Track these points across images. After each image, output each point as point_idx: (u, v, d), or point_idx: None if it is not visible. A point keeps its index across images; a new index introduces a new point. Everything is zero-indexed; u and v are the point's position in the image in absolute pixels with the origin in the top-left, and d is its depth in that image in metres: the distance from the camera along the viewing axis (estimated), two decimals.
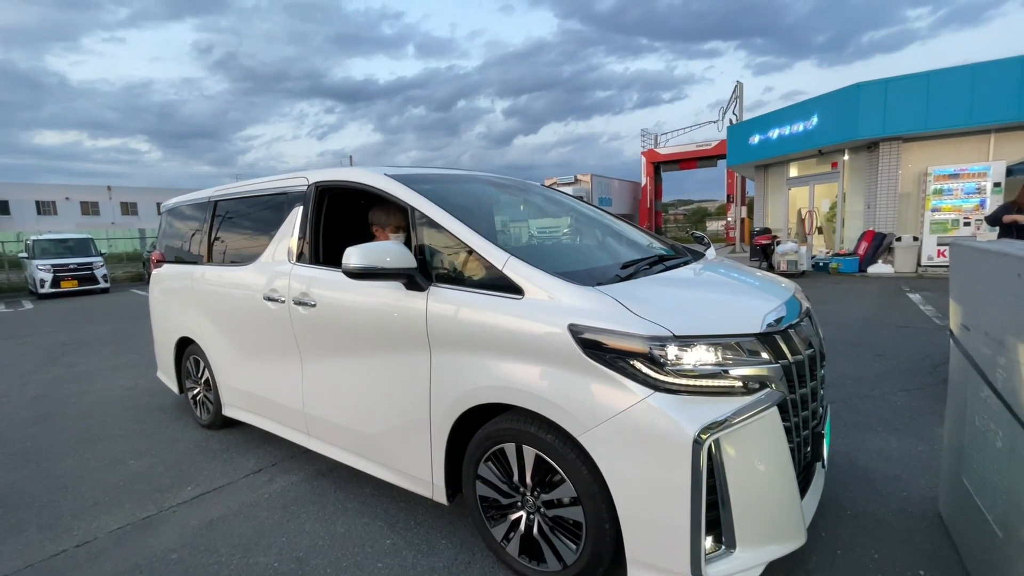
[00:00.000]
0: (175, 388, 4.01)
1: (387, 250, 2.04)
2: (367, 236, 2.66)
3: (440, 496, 2.17)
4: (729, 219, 24.63)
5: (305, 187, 2.78)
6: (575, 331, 1.69)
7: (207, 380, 3.55)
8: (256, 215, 3.20)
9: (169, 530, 2.43)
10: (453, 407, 2.01)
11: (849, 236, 12.32)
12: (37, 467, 3.19)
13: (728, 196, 24.16)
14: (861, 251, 11.13)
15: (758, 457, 1.62)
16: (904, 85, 10.35)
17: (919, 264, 10.52)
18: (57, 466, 3.19)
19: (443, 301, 2.03)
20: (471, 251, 2.02)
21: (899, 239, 10.63)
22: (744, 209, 21.43)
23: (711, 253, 2.85)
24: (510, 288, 1.88)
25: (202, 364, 3.57)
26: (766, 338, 1.72)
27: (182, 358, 3.87)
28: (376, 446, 2.41)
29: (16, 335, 8.04)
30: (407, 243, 2.31)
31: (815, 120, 11.96)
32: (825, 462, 2.05)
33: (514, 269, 1.89)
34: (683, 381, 1.57)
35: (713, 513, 1.57)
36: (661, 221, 30.79)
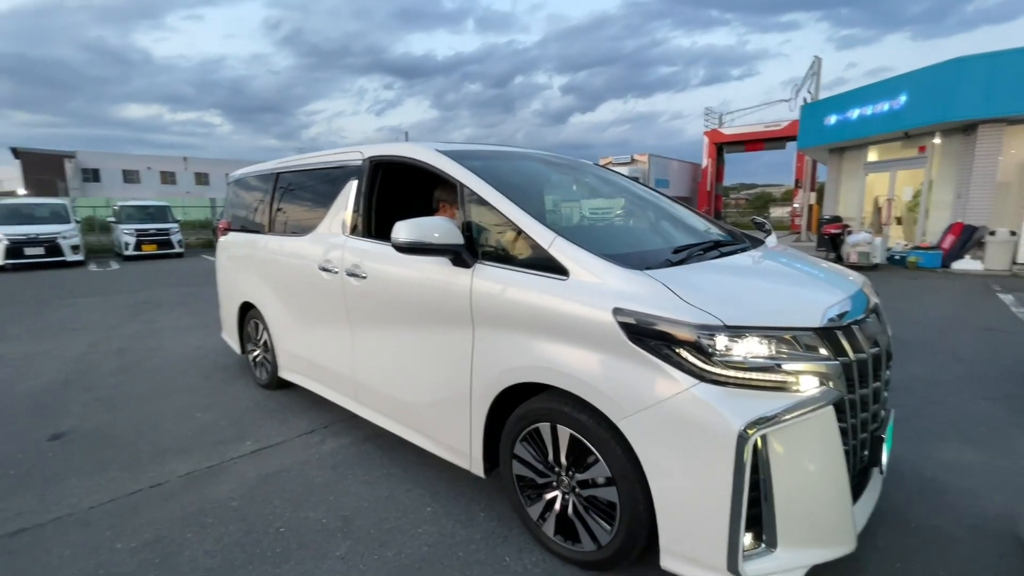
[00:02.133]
0: (237, 349, 4.28)
1: (435, 225, 2.06)
2: (419, 211, 2.66)
3: (477, 469, 2.21)
4: (795, 205, 23.16)
5: (360, 161, 2.84)
6: (620, 315, 1.65)
7: (265, 343, 3.75)
8: (314, 188, 3.30)
9: (230, 479, 2.61)
10: (494, 384, 2.03)
11: (933, 228, 11.28)
12: (120, 412, 3.51)
13: (796, 181, 22.66)
14: (946, 245, 10.19)
15: (808, 457, 1.55)
16: (1014, 60, 9.21)
17: (1014, 262, 9.50)
18: (136, 413, 3.49)
19: (488, 279, 2.03)
20: (518, 230, 2.01)
21: (992, 233, 9.62)
22: (813, 195, 20.07)
23: (772, 240, 2.72)
24: (555, 269, 1.86)
25: (261, 328, 3.77)
26: (826, 333, 1.62)
27: (244, 321, 4.09)
28: (418, 416, 2.49)
29: (105, 292, 8.83)
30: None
31: (903, 99, 10.91)
32: (883, 468, 1.92)
33: (560, 250, 1.86)
34: (732, 373, 1.51)
35: (755, 510, 1.52)
36: (721, 205, 29.43)
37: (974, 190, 10.11)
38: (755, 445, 1.46)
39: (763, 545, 1.55)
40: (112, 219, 15.23)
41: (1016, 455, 2.68)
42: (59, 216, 12.93)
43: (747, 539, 1.54)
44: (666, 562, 1.66)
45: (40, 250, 11.83)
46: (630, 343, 1.62)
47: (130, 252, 13.61)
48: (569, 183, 3.15)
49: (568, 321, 1.78)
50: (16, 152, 37.71)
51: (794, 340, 1.57)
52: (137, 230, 13.74)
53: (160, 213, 15.13)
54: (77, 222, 13.45)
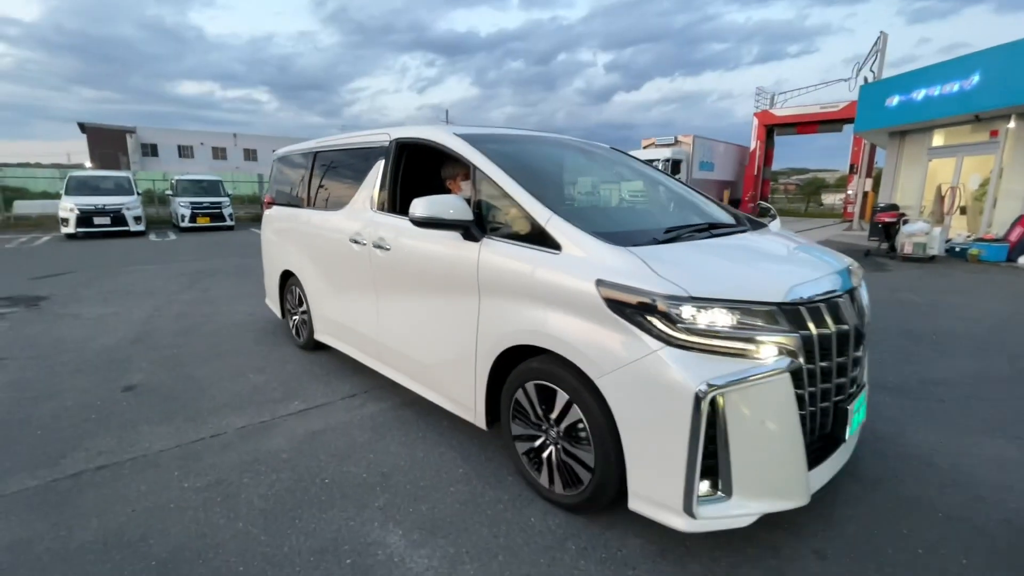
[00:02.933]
0: (279, 313, 4.66)
1: (448, 203, 2.31)
2: (439, 189, 2.92)
3: (480, 421, 2.48)
4: (849, 192, 21.97)
5: (387, 142, 3.08)
6: (601, 286, 1.85)
7: (304, 308, 4.08)
8: (348, 166, 3.56)
9: (280, 434, 2.84)
10: (495, 346, 2.27)
11: (1000, 219, 10.53)
12: (182, 370, 3.83)
13: (851, 166, 21.44)
14: (1013, 237, 9.52)
15: (763, 417, 1.73)
16: None
17: None
18: (196, 371, 3.80)
19: (493, 252, 2.27)
20: (520, 208, 2.21)
21: None
22: (869, 182, 18.98)
23: (775, 225, 2.90)
24: (551, 244, 2.07)
25: (300, 294, 4.09)
26: (788, 308, 1.79)
27: (285, 288, 4.44)
28: (431, 374, 2.77)
29: (164, 260, 9.45)
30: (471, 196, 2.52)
31: (976, 79, 10.12)
32: (848, 437, 2.06)
33: (555, 226, 2.07)
34: (695, 339, 1.69)
35: (713, 461, 1.72)
36: (768, 190, 28.22)
37: None
38: (713, 403, 1.65)
39: (719, 492, 1.75)
40: (169, 192, 16.11)
41: None
42: (123, 188, 13.80)
43: (705, 486, 1.75)
44: (633, 504, 1.88)
45: (107, 220, 12.70)
46: (608, 311, 1.83)
47: (186, 224, 14.40)
48: (585, 166, 3.27)
49: (559, 291, 1.99)
50: (83, 127, 40.09)
51: (756, 312, 1.74)
52: (192, 203, 14.50)
53: (213, 187, 15.88)
54: (139, 194, 14.30)
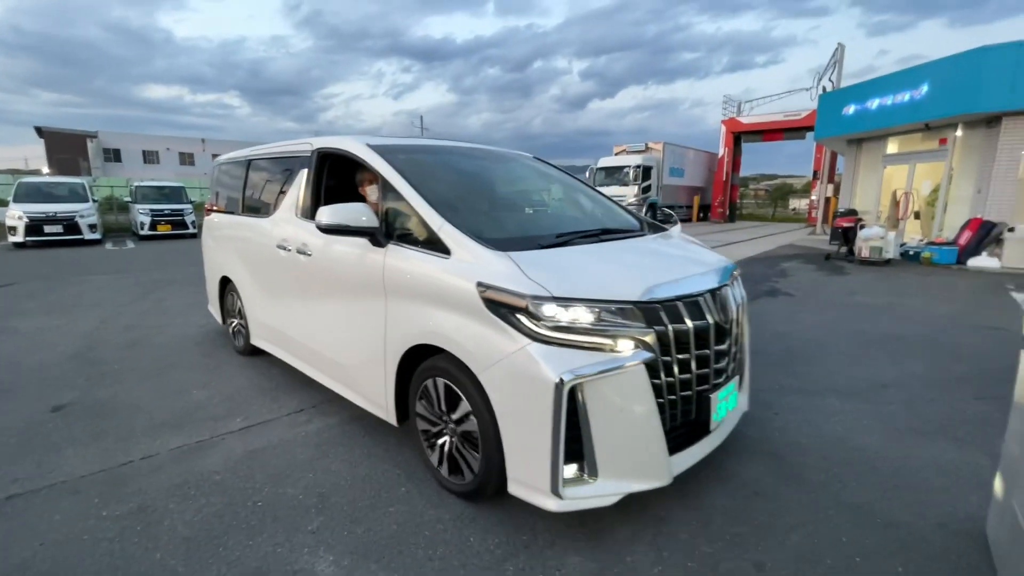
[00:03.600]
0: (219, 319, 4.71)
1: (353, 211, 2.43)
2: (358, 197, 3.03)
3: (392, 419, 2.59)
4: (813, 197, 22.69)
5: (309, 152, 3.20)
6: (480, 287, 2.01)
7: (241, 314, 4.12)
8: (276, 174, 3.68)
9: (217, 454, 2.70)
10: (400, 346, 2.39)
11: (951, 223, 10.99)
12: (121, 387, 3.63)
13: (814, 172, 22.17)
14: (962, 241, 9.92)
15: (621, 405, 1.89)
16: None
17: None
18: (136, 388, 3.61)
19: (396, 257, 2.41)
20: (418, 215, 2.36)
21: (1012, 229, 9.34)
22: (831, 187, 19.62)
23: (676, 230, 3.13)
24: (443, 249, 2.22)
25: (237, 300, 4.15)
26: (645, 306, 1.95)
27: (224, 294, 4.48)
28: (351, 375, 2.85)
29: (119, 270, 9.06)
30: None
31: (924, 89, 10.56)
32: (712, 426, 2.23)
33: (446, 233, 2.23)
34: (558, 335, 1.86)
35: (578, 446, 1.86)
36: (737, 196, 28.93)
37: (995, 185, 9.80)
38: (573, 392, 1.80)
39: (585, 475, 1.90)
40: (129, 199, 15.52)
41: (998, 456, 2.64)
42: (78, 195, 13.22)
43: (572, 470, 1.90)
44: (511, 488, 2.01)
45: (59, 228, 12.13)
46: (487, 310, 1.98)
47: (145, 232, 13.88)
48: (497, 174, 3.40)
49: (449, 293, 2.14)
50: (40, 131, 38.48)
51: (613, 310, 1.91)
52: (152, 210, 13.99)
53: (175, 194, 15.36)
54: (95, 201, 13.73)
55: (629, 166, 23.14)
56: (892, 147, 13.01)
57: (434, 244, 2.26)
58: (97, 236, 12.95)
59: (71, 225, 12.29)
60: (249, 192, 4.01)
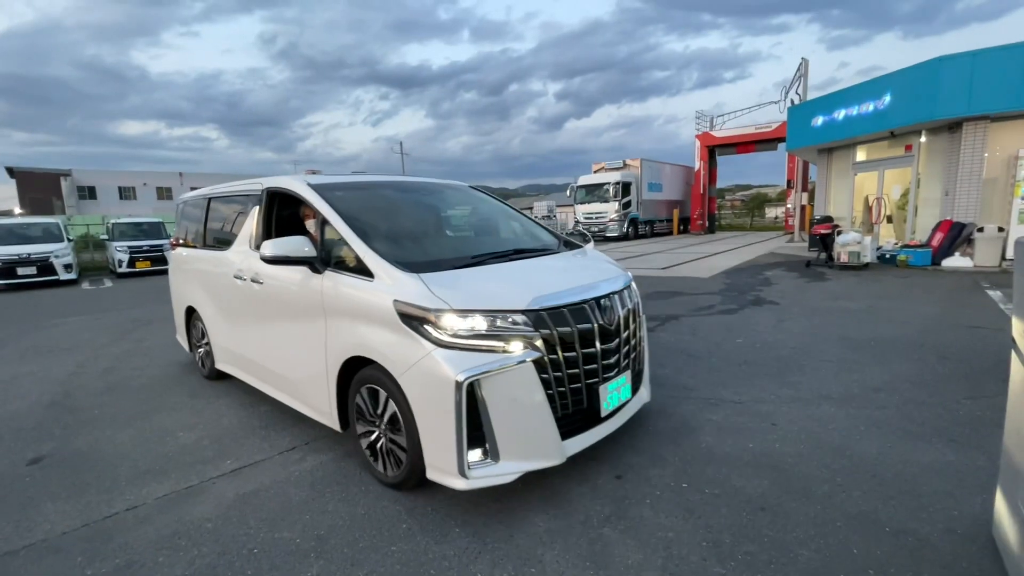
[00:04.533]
0: (187, 347, 4.94)
1: (292, 243, 2.76)
2: (302, 230, 3.39)
3: (335, 424, 2.89)
4: (789, 206, 23.27)
5: (260, 191, 3.54)
6: (396, 304, 2.35)
7: (206, 341, 4.38)
8: (232, 211, 4.02)
9: (207, 500, 2.59)
10: (338, 359, 2.70)
11: (923, 225, 11.32)
12: (102, 434, 3.49)
13: (788, 182, 22.77)
14: (935, 242, 10.22)
15: (514, 397, 2.23)
16: (995, 58, 9.29)
17: (1003, 258, 9.53)
18: (118, 434, 3.47)
19: (332, 281, 2.73)
20: (348, 244, 2.69)
21: (981, 229, 9.65)
22: (805, 195, 20.15)
23: (589, 247, 3.52)
24: (368, 273, 2.55)
25: (201, 328, 4.43)
26: (531, 313, 2.31)
27: (190, 323, 4.73)
28: (299, 389, 3.16)
29: (96, 310, 8.81)
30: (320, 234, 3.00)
31: (887, 99, 10.99)
32: (603, 413, 2.59)
33: (370, 259, 2.56)
34: (458, 340, 2.22)
35: (481, 434, 2.20)
36: (715, 207, 29.50)
37: (961, 187, 10.16)
38: (471, 388, 2.15)
39: (488, 458, 2.24)
40: (105, 236, 15.22)
41: (996, 455, 2.67)
42: (52, 235, 12.92)
43: (478, 454, 2.23)
44: (429, 473, 2.33)
45: (32, 270, 11.81)
46: (401, 323, 2.32)
47: (124, 269, 13.58)
48: (425, 204, 3.80)
49: (373, 311, 2.47)
50: (12, 171, 37.74)
51: (503, 318, 2.27)
52: (130, 247, 13.71)
53: (154, 229, 15.11)
54: (70, 240, 13.43)
55: (609, 183, 23.50)
56: (861, 155, 13.45)
57: (361, 269, 2.60)
58: (73, 276, 12.64)
59: (45, 266, 11.98)
60: (209, 227, 4.35)
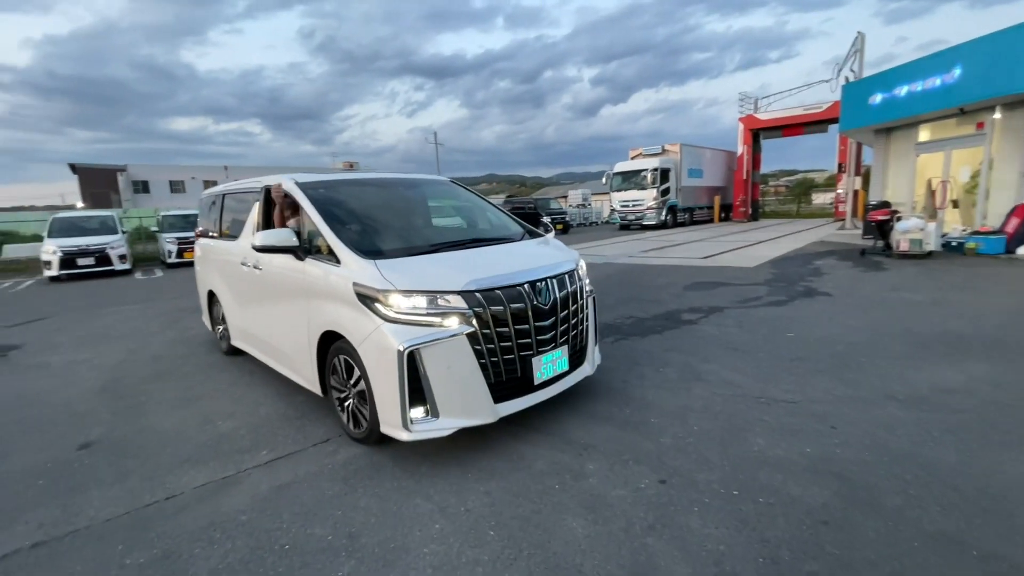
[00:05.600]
0: (209, 327, 5.57)
1: (280, 234, 3.24)
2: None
3: (317, 390, 3.32)
4: (839, 191, 21.99)
5: (260, 188, 3.96)
6: (355, 286, 2.77)
7: (224, 320, 4.90)
8: (240, 206, 4.48)
9: (243, 491, 2.59)
10: (316, 333, 3.14)
11: (995, 211, 10.41)
12: (146, 420, 3.58)
13: (839, 166, 21.50)
14: (1010, 228, 9.38)
15: (449, 364, 2.62)
16: None
17: None
18: (162, 421, 3.56)
19: (312, 267, 3.17)
20: (321, 235, 3.13)
21: None
22: (858, 180, 18.96)
23: (549, 236, 3.87)
24: (336, 260, 2.98)
25: (220, 309, 4.96)
26: (466, 293, 2.68)
27: (211, 306, 5.27)
28: (292, 360, 3.61)
29: (147, 299, 9.21)
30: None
31: (957, 72, 10.09)
32: (536, 382, 2.92)
33: (337, 247, 2.99)
34: (402, 316, 2.62)
35: (422, 394, 2.60)
36: (758, 193, 28.26)
37: None
38: (412, 356, 2.54)
39: (429, 415, 2.64)
40: (156, 228, 15.93)
41: None
42: (108, 227, 13.60)
43: (420, 411, 2.63)
44: (383, 428, 2.74)
45: (91, 260, 12.47)
46: (358, 302, 2.75)
47: (172, 260, 14.17)
48: (397, 199, 4.12)
49: (339, 291, 2.89)
50: (74, 168, 40.14)
51: (441, 297, 2.66)
52: (178, 238, 14.26)
53: None
54: (124, 232, 14.11)
55: (646, 169, 22.83)
56: (924, 134, 12.47)
57: (332, 256, 3.02)
58: (127, 266, 13.28)
59: (102, 257, 12.63)
60: (223, 219, 4.84)
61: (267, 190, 3.86)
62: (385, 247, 3.13)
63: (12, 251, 17.50)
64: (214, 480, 2.72)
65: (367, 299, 2.70)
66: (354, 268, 2.83)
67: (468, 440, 3.00)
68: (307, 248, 3.27)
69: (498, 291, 2.75)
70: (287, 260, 3.36)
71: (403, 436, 2.61)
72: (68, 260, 12.18)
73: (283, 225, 3.63)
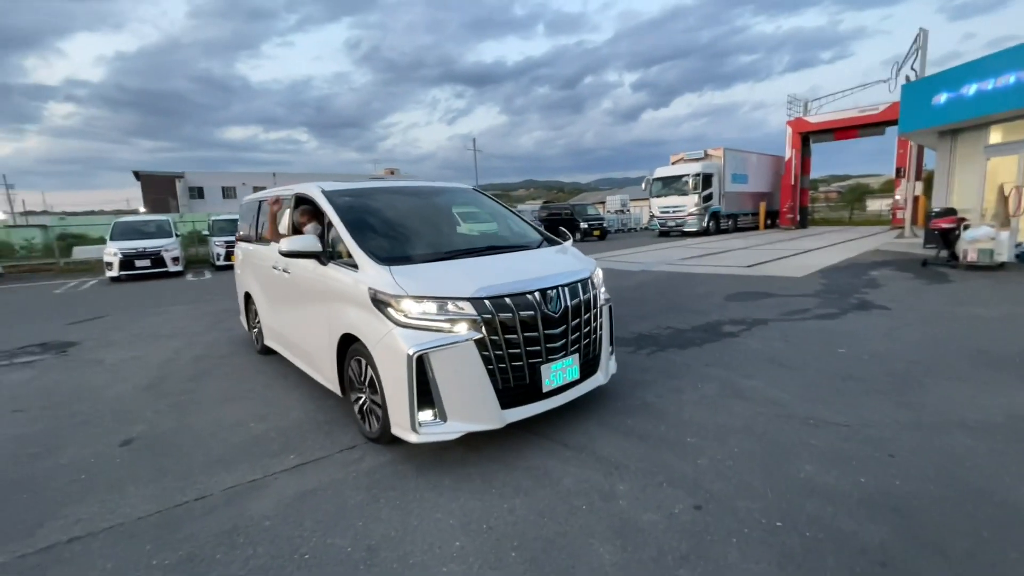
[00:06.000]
0: (246, 327, 5.78)
1: (304, 240, 3.37)
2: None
3: (337, 390, 3.44)
4: (897, 198, 20.73)
5: (291, 195, 4.18)
6: (370, 291, 2.86)
7: (258, 320, 5.13)
8: (274, 212, 4.67)
9: (268, 496, 2.60)
10: (336, 334, 3.23)
11: None
12: (185, 419, 3.68)
13: (898, 170, 20.27)
14: None
15: (457, 369, 2.66)
16: None
17: None
18: (198, 420, 3.65)
19: (333, 271, 3.29)
20: (343, 240, 3.24)
21: None
22: (919, 185, 17.80)
23: (568, 244, 3.85)
24: (355, 265, 3.08)
25: (255, 310, 5.20)
26: (475, 300, 2.72)
27: (248, 306, 5.50)
28: (315, 360, 3.75)
29: (195, 300, 9.63)
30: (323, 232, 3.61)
31: None
32: (545, 390, 2.91)
33: (356, 253, 3.09)
34: (412, 321, 2.69)
35: (431, 397, 2.65)
36: (807, 200, 27.01)
37: None
38: (421, 360, 2.59)
39: (438, 418, 2.69)
40: (207, 232, 16.72)
41: None
42: (163, 231, 14.37)
43: (429, 414, 2.68)
44: (393, 430, 2.82)
45: (147, 262, 13.20)
46: (373, 306, 2.83)
47: (221, 262, 14.81)
48: (417, 207, 4.15)
49: (358, 295, 2.97)
50: (137, 175, 42.89)
51: (451, 303, 2.71)
52: (226, 242, 14.85)
53: None
54: (178, 236, 14.87)
55: (688, 175, 22.25)
56: (996, 136, 11.55)
57: (352, 262, 3.11)
58: (180, 268, 13.98)
59: (157, 259, 13.35)
60: (260, 225, 5.08)
61: (298, 198, 4.04)
62: (401, 253, 3.20)
63: (81, 252, 18.78)
64: (242, 483, 2.75)
65: (381, 303, 2.78)
66: (370, 273, 2.92)
67: (493, 452, 2.92)
68: (330, 253, 3.39)
69: (507, 298, 2.77)
70: (312, 265, 3.49)
71: (411, 438, 2.67)
72: (127, 261, 12.93)
73: (297, 231, 3.80)
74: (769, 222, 25.89)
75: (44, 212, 45.58)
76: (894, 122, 17.07)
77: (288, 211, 4.18)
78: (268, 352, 5.13)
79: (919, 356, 4.30)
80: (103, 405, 4.06)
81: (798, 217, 25.27)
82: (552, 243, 3.83)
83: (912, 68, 16.01)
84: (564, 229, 4.32)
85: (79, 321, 7.85)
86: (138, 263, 13.06)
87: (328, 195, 3.65)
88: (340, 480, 2.72)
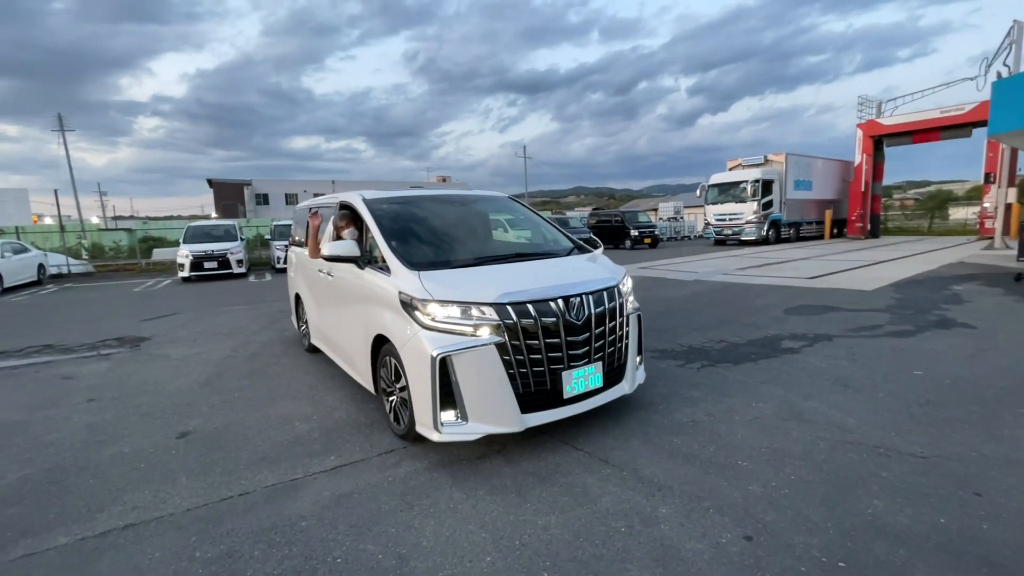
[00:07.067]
0: (296, 327, 6.14)
1: (344, 245, 3.54)
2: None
3: (371, 387, 3.59)
4: (986, 205, 18.90)
5: (335, 202, 4.42)
6: (400, 294, 2.98)
7: (306, 320, 5.46)
8: (323, 218, 4.83)
9: (306, 496, 2.64)
10: (371, 336, 3.38)
11: None
12: (236, 415, 3.84)
13: (986, 175, 18.48)
14: None
15: (479, 372, 2.74)
16: None
17: None
18: (248, 417, 3.79)
19: (370, 275, 3.44)
20: (379, 247, 3.41)
21: None
22: (1012, 192, 16.15)
23: (598, 252, 3.90)
24: (388, 270, 3.23)
25: (303, 311, 5.53)
26: (498, 306, 2.79)
27: (298, 307, 5.84)
28: (352, 359, 3.95)
29: (255, 301, 10.14)
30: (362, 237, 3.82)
31: None
32: (566, 396, 2.94)
33: (389, 258, 3.26)
34: (437, 324, 2.81)
35: (452, 399, 2.75)
36: (879, 207, 25.14)
37: None
38: (444, 362, 2.70)
39: (459, 419, 2.78)
40: (269, 236, 17.65)
41: None
42: (230, 235, 15.31)
43: (451, 414, 2.78)
44: (418, 428, 2.94)
45: (214, 264, 14.10)
46: (402, 309, 2.96)
47: (280, 265, 15.57)
48: (452, 215, 4.26)
49: (389, 298, 3.11)
50: (210, 183, 46.19)
51: (474, 308, 2.80)
52: (285, 246, 15.64)
53: None
54: (243, 240, 15.79)
55: (746, 181, 21.29)
56: None
57: (386, 267, 3.26)
58: (243, 270, 14.83)
59: (224, 261, 14.22)
60: (308, 231, 5.20)
61: (342, 206, 4.26)
62: (431, 259, 3.36)
63: (159, 254, 20.36)
64: (283, 481, 2.81)
65: (409, 307, 2.91)
66: (401, 277, 3.07)
67: (530, 465, 2.84)
68: (368, 258, 3.57)
69: (529, 305, 2.83)
70: (351, 269, 3.67)
71: (434, 436, 2.79)
72: (197, 263, 13.86)
73: (339, 236, 4.02)
74: (836, 231, 24.31)
75: (131, 217, 50.01)
76: (983, 123, 15.64)
77: (333, 217, 4.36)
78: (315, 351, 5.41)
79: (1012, 382, 3.83)
80: (165, 398, 4.31)
81: (868, 226, 23.55)
82: (583, 251, 3.90)
83: (1005, 64, 14.60)
84: (595, 237, 4.41)
85: (152, 318, 8.45)
86: (206, 265, 13.97)
87: (368, 203, 3.86)
88: (376, 485, 2.72)
